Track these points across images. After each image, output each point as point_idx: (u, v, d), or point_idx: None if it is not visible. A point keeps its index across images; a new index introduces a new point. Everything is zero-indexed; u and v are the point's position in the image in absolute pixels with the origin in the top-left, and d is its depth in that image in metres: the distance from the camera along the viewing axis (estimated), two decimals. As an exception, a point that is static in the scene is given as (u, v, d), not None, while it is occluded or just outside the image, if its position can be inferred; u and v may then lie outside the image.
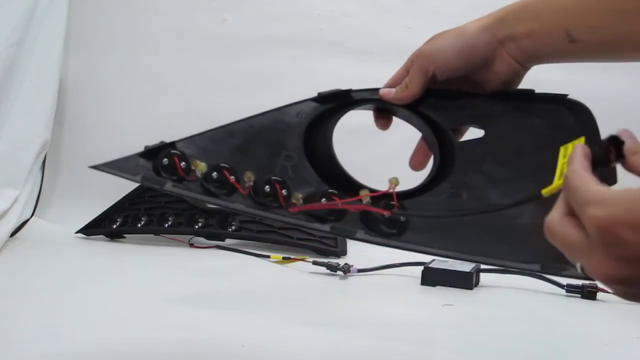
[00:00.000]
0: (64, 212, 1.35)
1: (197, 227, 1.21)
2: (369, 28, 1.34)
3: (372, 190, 0.55)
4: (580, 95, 0.60)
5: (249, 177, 0.54)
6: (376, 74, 1.30)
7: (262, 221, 1.19)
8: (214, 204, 0.54)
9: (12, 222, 1.20)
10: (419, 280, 0.96)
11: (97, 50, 1.42)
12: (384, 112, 0.63)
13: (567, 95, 0.58)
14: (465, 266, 0.96)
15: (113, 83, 1.42)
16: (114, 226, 1.24)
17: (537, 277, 0.93)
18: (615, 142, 0.41)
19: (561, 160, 0.47)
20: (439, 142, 0.59)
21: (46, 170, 1.37)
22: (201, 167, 0.53)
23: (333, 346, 0.70)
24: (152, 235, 1.24)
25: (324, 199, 0.54)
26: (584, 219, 0.36)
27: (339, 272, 1.00)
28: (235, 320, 0.77)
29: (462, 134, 0.62)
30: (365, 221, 0.54)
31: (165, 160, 0.54)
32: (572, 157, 0.41)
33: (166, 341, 0.68)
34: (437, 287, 0.95)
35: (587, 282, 0.90)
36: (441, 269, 0.96)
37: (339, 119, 0.59)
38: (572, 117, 0.57)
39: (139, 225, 1.23)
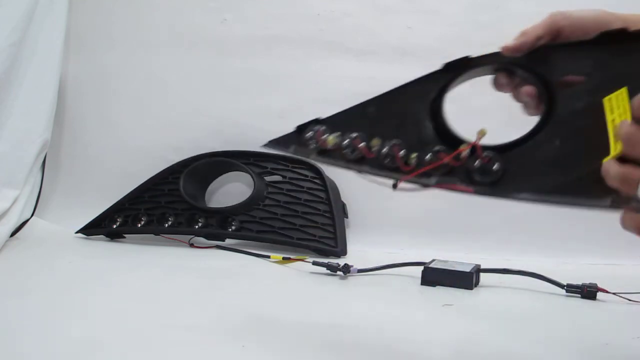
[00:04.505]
0: (64, 212, 1.35)
1: (197, 227, 1.21)
2: (369, 28, 1.34)
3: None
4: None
5: (375, 143, 0.59)
6: (376, 74, 1.32)
7: (262, 221, 1.20)
8: (346, 168, 0.61)
9: (12, 222, 1.20)
10: (419, 281, 0.96)
11: (97, 50, 1.43)
12: (504, 72, 0.63)
13: None
14: (465, 266, 0.96)
15: (113, 83, 1.42)
16: (114, 226, 1.24)
17: (537, 277, 0.93)
18: None
19: (609, 117, 0.43)
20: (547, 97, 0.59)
21: (46, 170, 1.37)
22: (330, 139, 0.60)
23: (333, 346, 0.70)
24: (152, 235, 1.24)
25: (429, 155, 0.59)
26: None
27: (339, 273, 1.00)
28: (235, 320, 0.77)
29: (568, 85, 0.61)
30: (466, 173, 0.58)
31: (310, 133, 0.61)
32: None
33: (166, 341, 0.69)
34: (437, 287, 0.95)
35: (587, 282, 0.91)
36: (441, 269, 0.96)
37: (455, 85, 0.63)
38: None
39: (139, 225, 1.23)
